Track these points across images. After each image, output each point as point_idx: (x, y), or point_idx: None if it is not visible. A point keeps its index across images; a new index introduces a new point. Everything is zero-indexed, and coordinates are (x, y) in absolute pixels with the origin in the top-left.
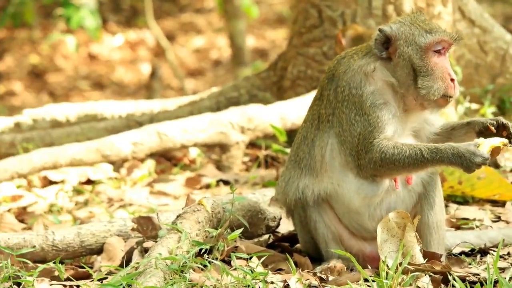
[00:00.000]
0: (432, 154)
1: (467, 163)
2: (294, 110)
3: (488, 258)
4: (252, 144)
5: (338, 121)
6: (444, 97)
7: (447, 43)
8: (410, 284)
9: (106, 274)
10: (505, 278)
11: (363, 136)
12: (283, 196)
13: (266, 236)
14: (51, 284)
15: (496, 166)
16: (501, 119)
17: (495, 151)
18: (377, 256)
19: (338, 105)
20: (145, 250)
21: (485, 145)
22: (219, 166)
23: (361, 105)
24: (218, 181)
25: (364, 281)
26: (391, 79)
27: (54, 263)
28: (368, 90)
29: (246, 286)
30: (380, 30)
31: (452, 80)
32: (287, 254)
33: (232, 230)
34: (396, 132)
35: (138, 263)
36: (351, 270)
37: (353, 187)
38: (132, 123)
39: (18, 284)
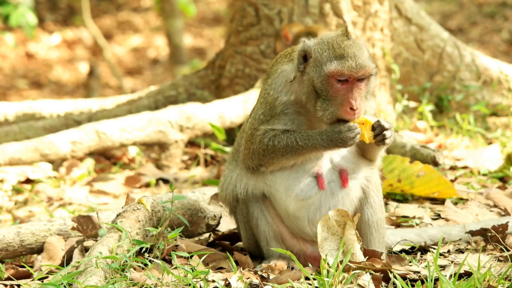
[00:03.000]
0: (305, 141)
1: (341, 142)
2: (232, 108)
3: (429, 256)
4: (191, 143)
5: None
6: (339, 120)
7: (352, 76)
8: (351, 282)
9: (46, 274)
10: (446, 275)
11: (255, 129)
12: (221, 190)
13: (206, 235)
14: None
15: (435, 164)
16: (380, 121)
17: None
18: (318, 257)
19: (258, 99)
20: (86, 249)
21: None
22: (159, 165)
23: (271, 107)
24: (157, 180)
25: (305, 280)
26: (300, 96)
27: None
28: (282, 99)
29: (187, 285)
30: (303, 42)
31: (351, 109)
32: (227, 253)
33: (172, 229)
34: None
35: (78, 262)
36: (292, 268)
37: (283, 188)
38: (71, 122)
39: None
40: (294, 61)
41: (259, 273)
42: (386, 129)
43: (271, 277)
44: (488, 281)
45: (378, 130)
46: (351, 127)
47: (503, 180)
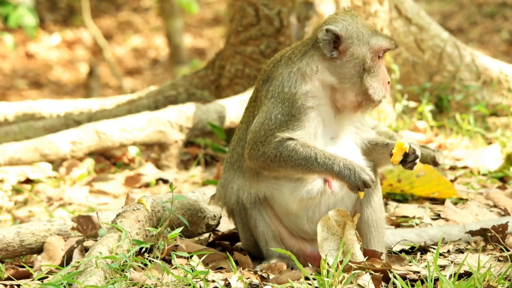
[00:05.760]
0: (326, 160)
1: (355, 177)
2: (232, 108)
3: (428, 256)
4: (191, 143)
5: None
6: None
7: (390, 50)
8: (351, 282)
9: (46, 274)
10: (445, 275)
11: (271, 131)
12: (222, 199)
13: (206, 235)
14: None
15: (435, 164)
16: (413, 147)
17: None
18: (318, 256)
19: (265, 101)
20: (86, 249)
21: None
22: (158, 165)
23: (291, 103)
24: (157, 180)
25: (305, 279)
26: (330, 79)
27: None
28: (303, 89)
29: (187, 285)
30: (327, 30)
31: (388, 83)
32: (227, 253)
33: (172, 229)
34: (312, 135)
35: (78, 262)
36: (292, 268)
37: (288, 190)
38: (70, 122)
39: None
40: (308, 53)
41: (259, 273)
42: (418, 157)
43: (271, 277)
44: (488, 281)
45: (412, 158)
46: (372, 178)
47: (503, 180)
